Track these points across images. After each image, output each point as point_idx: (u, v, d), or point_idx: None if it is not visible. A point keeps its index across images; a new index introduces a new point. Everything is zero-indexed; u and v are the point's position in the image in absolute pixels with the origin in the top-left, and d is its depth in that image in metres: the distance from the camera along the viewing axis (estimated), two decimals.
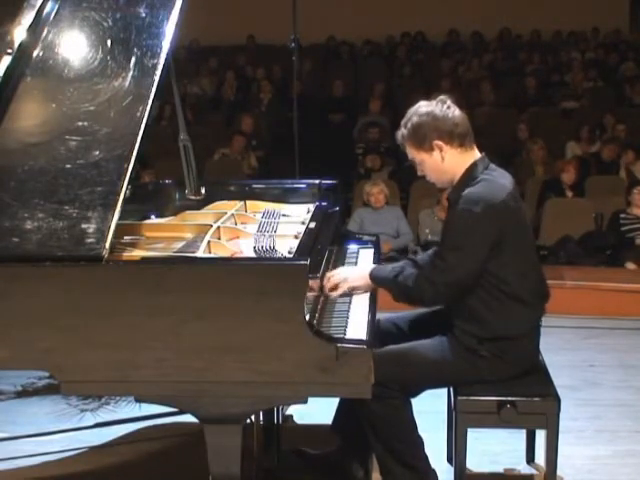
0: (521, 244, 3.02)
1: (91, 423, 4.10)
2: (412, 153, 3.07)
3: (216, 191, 3.73)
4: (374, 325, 2.93)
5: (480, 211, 2.88)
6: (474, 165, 3.03)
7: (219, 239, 3.10)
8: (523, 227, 3.07)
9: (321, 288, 3.05)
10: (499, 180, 3.02)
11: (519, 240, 3.00)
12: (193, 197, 3.61)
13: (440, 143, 2.99)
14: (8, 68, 2.93)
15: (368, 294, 3.12)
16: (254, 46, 12.97)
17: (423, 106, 3.04)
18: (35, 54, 2.97)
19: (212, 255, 2.93)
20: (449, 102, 3.04)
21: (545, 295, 3.13)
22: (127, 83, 2.86)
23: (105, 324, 2.55)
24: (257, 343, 2.54)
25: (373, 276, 3.11)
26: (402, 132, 3.07)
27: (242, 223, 3.44)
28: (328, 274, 3.16)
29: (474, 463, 3.46)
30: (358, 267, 3.31)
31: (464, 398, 3.02)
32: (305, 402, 2.63)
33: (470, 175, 3.01)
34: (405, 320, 3.34)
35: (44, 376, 4.42)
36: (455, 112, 3.03)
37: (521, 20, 12.66)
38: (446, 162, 3.02)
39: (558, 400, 3.01)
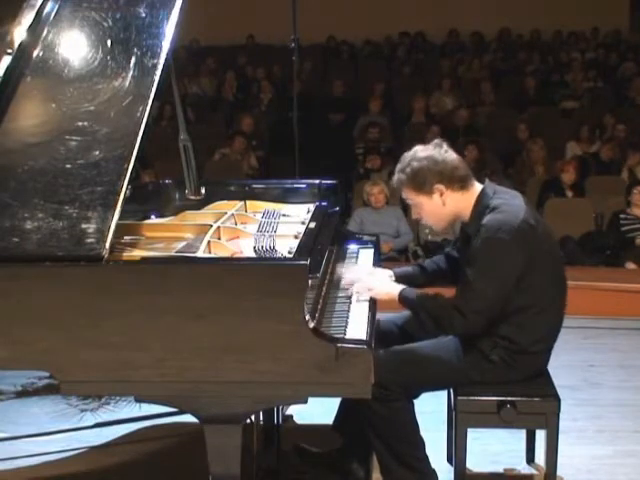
0: (549, 260, 3.02)
1: (91, 423, 4.10)
2: (410, 196, 3.07)
3: (216, 191, 3.73)
4: (374, 325, 2.93)
5: (509, 238, 2.87)
6: (482, 194, 3.03)
7: (219, 239, 3.10)
8: (548, 242, 3.06)
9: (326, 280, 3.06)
10: (512, 201, 3.03)
11: (547, 256, 3.00)
12: (193, 197, 3.60)
13: (441, 187, 3.00)
14: (8, 68, 2.93)
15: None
16: (254, 46, 12.97)
17: (421, 151, 3.05)
18: (35, 54, 2.97)
19: (212, 255, 2.93)
20: (445, 146, 3.05)
21: (565, 303, 3.13)
22: (127, 83, 2.86)
23: (105, 324, 2.55)
24: (257, 343, 2.54)
25: (403, 297, 3.06)
26: (400, 177, 3.07)
27: (242, 223, 3.43)
28: (355, 275, 3.18)
29: (474, 463, 3.46)
30: (389, 283, 3.19)
31: (464, 398, 3.02)
32: (305, 402, 2.63)
33: (482, 204, 3.01)
34: (406, 320, 3.34)
35: (44, 376, 4.41)
36: (453, 155, 3.04)
37: (521, 20, 12.67)
38: (447, 206, 3.03)
39: (558, 400, 3.01)
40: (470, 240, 3.03)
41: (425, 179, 3.00)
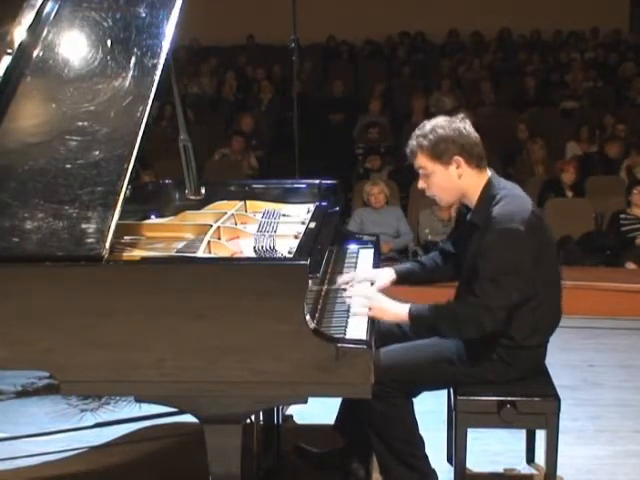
0: (551, 253, 3.02)
1: (91, 423, 4.10)
2: (424, 163, 3.00)
3: (216, 191, 3.73)
4: (374, 325, 2.93)
5: (522, 228, 2.86)
6: (489, 183, 3.01)
7: (219, 239, 3.10)
8: (550, 236, 3.07)
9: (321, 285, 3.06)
10: (517, 191, 3.02)
11: (549, 249, 3.01)
12: (193, 197, 3.61)
13: (460, 159, 2.97)
14: (8, 68, 2.93)
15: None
16: (254, 46, 12.96)
17: (445, 121, 3.01)
18: (35, 54, 2.97)
19: (212, 255, 2.93)
20: (469, 122, 3.03)
21: (561, 296, 3.12)
22: (127, 83, 2.86)
23: (105, 324, 2.55)
24: (257, 343, 2.54)
25: (413, 315, 2.95)
26: (420, 142, 2.99)
27: (242, 223, 3.44)
28: (364, 291, 3.09)
29: (474, 463, 3.46)
30: (397, 304, 3.02)
31: (464, 398, 3.02)
32: (305, 402, 2.63)
33: (489, 194, 2.99)
34: None
35: (44, 376, 4.41)
36: (476, 134, 3.02)
37: (521, 20, 12.66)
38: (462, 180, 2.99)
39: (558, 400, 3.01)
40: (475, 230, 3.00)
41: (447, 148, 2.95)
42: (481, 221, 2.97)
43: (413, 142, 3.02)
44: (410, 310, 2.96)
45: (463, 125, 3.00)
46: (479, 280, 2.88)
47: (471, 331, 2.92)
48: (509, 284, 2.85)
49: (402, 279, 3.29)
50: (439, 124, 3.00)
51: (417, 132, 3.03)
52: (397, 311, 2.98)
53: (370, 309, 2.97)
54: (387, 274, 3.27)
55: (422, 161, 3.01)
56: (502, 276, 2.84)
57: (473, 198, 3.03)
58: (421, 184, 3.08)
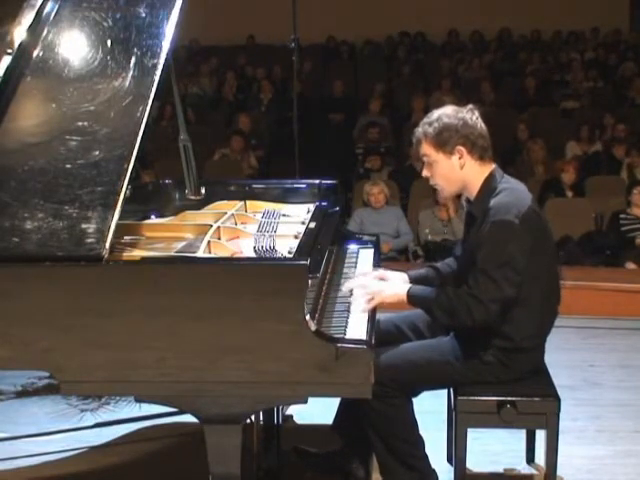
0: (547, 252, 3.00)
1: (91, 423, 4.10)
2: (428, 151, 3.01)
3: (216, 191, 3.73)
4: (374, 325, 2.93)
5: (517, 221, 2.85)
6: (491, 176, 3.01)
7: (219, 239, 3.10)
8: (549, 234, 3.06)
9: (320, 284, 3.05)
10: (519, 186, 3.02)
11: (546, 247, 2.99)
12: (193, 197, 3.60)
13: (462, 149, 2.97)
14: (8, 68, 2.93)
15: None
16: (254, 46, 12.97)
17: (453, 110, 3.01)
18: (35, 54, 2.96)
19: (212, 255, 2.93)
20: (477, 113, 3.02)
21: (559, 299, 3.12)
22: (127, 83, 2.86)
23: (105, 324, 2.55)
24: (257, 343, 2.54)
25: (411, 294, 3.00)
26: (425, 129, 3.01)
27: (242, 223, 3.44)
28: (360, 281, 3.12)
29: (474, 463, 3.45)
30: (394, 283, 3.12)
31: (464, 398, 3.02)
32: (305, 402, 2.63)
33: (489, 186, 2.99)
34: (405, 320, 3.33)
35: (44, 376, 4.42)
36: (482, 125, 3.01)
37: (521, 20, 12.67)
38: (464, 171, 2.99)
39: (558, 400, 3.01)
40: (475, 221, 3.01)
41: (450, 138, 2.96)
42: (479, 212, 2.98)
43: (419, 129, 3.04)
44: (409, 290, 3.01)
45: (470, 115, 3.00)
46: (473, 271, 2.89)
47: (462, 320, 2.89)
48: (501, 277, 2.83)
49: (415, 283, 3.27)
50: (446, 113, 3.00)
51: (424, 120, 3.05)
52: (396, 291, 3.03)
53: (370, 298, 2.98)
54: (399, 279, 3.25)
55: (426, 149, 3.02)
56: (494, 269, 2.84)
57: (474, 190, 3.03)
58: (425, 172, 3.09)
